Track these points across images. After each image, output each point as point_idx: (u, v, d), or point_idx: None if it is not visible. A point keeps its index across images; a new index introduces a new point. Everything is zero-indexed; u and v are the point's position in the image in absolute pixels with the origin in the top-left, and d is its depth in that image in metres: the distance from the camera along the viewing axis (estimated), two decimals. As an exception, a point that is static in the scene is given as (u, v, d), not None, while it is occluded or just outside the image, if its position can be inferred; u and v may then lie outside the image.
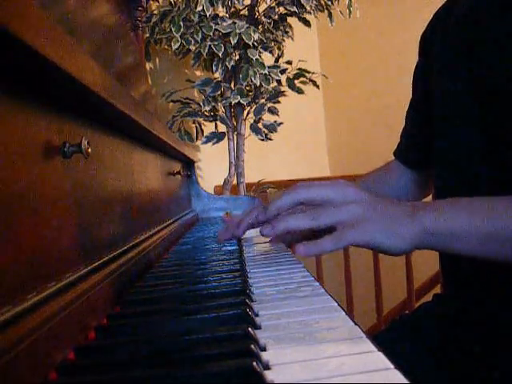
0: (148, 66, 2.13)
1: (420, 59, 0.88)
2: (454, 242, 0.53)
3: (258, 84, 1.85)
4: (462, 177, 0.71)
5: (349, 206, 0.54)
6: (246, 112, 2.02)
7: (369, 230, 0.52)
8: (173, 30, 1.76)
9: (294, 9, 1.93)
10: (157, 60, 2.26)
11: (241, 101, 1.88)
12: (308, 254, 0.53)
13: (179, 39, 1.77)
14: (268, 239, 0.81)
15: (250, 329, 0.35)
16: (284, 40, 2.06)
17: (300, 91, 2.03)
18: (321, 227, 0.54)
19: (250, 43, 1.79)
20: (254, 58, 1.83)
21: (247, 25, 1.82)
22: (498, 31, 0.63)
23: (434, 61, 0.77)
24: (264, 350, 0.33)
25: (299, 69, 2.04)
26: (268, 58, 1.99)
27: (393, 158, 0.97)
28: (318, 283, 0.51)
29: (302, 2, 1.89)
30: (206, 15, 1.79)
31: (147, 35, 1.88)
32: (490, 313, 0.68)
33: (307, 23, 2.05)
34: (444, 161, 0.76)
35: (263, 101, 1.99)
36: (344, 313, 0.40)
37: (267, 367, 0.30)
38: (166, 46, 1.93)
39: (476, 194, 0.57)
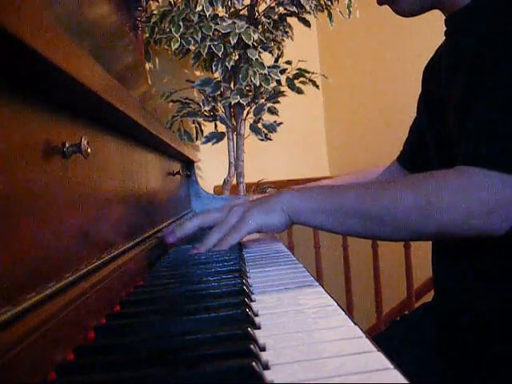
0: (148, 65, 2.13)
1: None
2: (309, 215, 0.66)
3: (258, 84, 1.85)
4: None
5: (232, 208, 0.71)
6: (245, 112, 2.02)
7: (252, 215, 0.67)
8: (172, 30, 1.76)
9: (294, 9, 1.93)
10: (156, 60, 2.26)
11: (240, 101, 1.88)
12: (221, 248, 0.68)
13: (179, 39, 1.77)
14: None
15: (249, 329, 0.35)
16: (284, 40, 2.06)
17: (300, 91, 2.03)
18: (209, 224, 0.73)
19: (250, 43, 1.79)
20: (254, 58, 1.83)
21: (247, 25, 1.82)
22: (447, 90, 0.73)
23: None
24: (263, 349, 0.33)
25: (299, 69, 2.04)
26: (268, 58, 1.99)
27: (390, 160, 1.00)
28: (317, 283, 0.52)
29: (302, 2, 1.89)
30: (205, 15, 1.79)
31: (147, 35, 1.88)
32: (485, 316, 0.68)
33: (307, 23, 2.05)
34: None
35: (263, 101, 1.99)
36: (344, 313, 0.40)
37: (267, 367, 0.30)
38: (165, 46, 1.93)
39: None
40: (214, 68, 1.88)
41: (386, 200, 0.62)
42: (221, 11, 1.94)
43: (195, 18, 1.79)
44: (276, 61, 2.05)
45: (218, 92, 1.92)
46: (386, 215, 0.61)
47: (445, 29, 0.78)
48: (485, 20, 0.67)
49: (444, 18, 0.77)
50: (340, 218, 0.64)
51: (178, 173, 1.08)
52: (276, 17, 1.97)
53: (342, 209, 0.64)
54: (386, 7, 0.79)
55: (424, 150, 0.85)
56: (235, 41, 1.77)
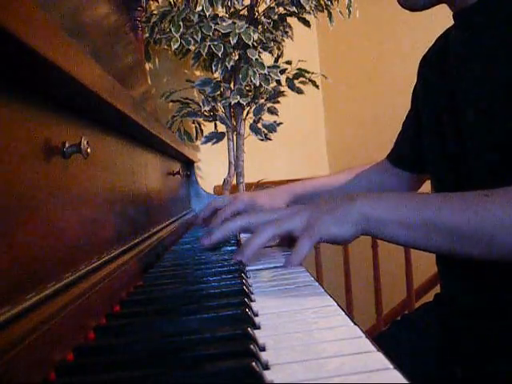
0: (148, 65, 2.13)
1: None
2: (389, 228, 0.58)
3: (258, 84, 1.85)
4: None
5: (298, 212, 0.61)
6: (245, 112, 2.02)
7: (324, 225, 0.58)
8: (172, 30, 1.76)
9: (294, 9, 1.93)
10: (156, 60, 2.25)
11: (240, 101, 1.88)
12: (296, 263, 0.59)
13: (179, 39, 1.77)
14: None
15: (249, 329, 0.35)
16: (283, 40, 2.06)
17: (299, 91, 2.03)
18: (281, 234, 0.61)
19: (250, 43, 1.79)
20: (254, 58, 1.83)
21: (247, 25, 1.82)
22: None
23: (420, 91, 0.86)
24: (263, 349, 0.33)
25: (299, 69, 2.04)
26: (267, 58, 1.99)
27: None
28: (317, 283, 0.51)
29: (302, 2, 1.89)
30: (205, 15, 1.79)
31: (147, 35, 1.88)
32: (488, 314, 0.68)
33: (307, 23, 2.05)
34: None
35: (263, 101, 1.99)
36: (344, 313, 0.40)
37: (266, 367, 0.30)
38: (165, 46, 1.93)
39: None
40: (213, 68, 1.88)
41: (485, 218, 0.54)
42: (221, 11, 1.94)
43: (195, 18, 1.79)
44: (276, 61, 2.05)
45: (218, 92, 1.92)
46: (484, 235, 0.54)
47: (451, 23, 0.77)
48: None
49: (451, 13, 0.76)
50: (423, 233, 0.57)
51: (177, 173, 1.08)
52: (276, 17, 1.96)
53: (428, 224, 0.56)
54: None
55: (421, 146, 0.83)
56: (235, 41, 1.77)
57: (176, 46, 1.78)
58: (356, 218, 0.58)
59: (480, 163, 0.68)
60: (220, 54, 1.80)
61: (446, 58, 0.76)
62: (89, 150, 0.43)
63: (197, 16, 1.79)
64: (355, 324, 0.37)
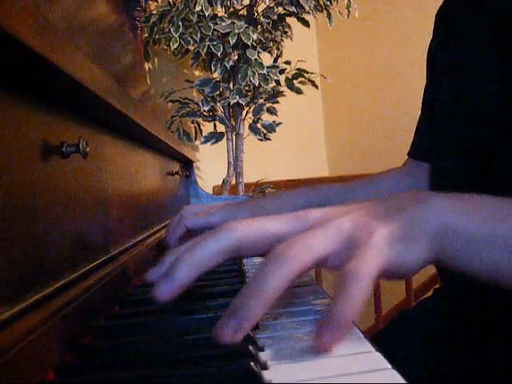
0: (147, 65, 2.13)
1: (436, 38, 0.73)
2: (485, 250, 0.35)
3: (257, 84, 1.85)
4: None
5: (332, 221, 0.35)
6: (244, 112, 2.02)
7: (382, 245, 0.33)
8: (172, 29, 1.76)
9: (293, 9, 1.93)
10: (156, 60, 2.25)
11: (239, 101, 1.88)
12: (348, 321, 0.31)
13: (178, 39, 1.77)
14: None
15: (248, 329, 0.35)
16: (283, 40, 2.06)
17: (299, 91, 2.03)
18: (309, 267, 0.33)
19: (249, 43, 1.79)
20: (253, 58, 1.83)
21: (246, 25, 1.82)
22: None
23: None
24: (262, 350, 0.33)
25: (298, 69, 2.04)
26: (267, 58, 1.99)
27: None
28: (315, 283, 0.52)
29: (301, 2, 1.89)
30: (204, 15, 1.79)
31: (146, 35, 1.88)
32: (488, 312, 0.68)
33: (306, 23, 2.05)
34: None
35: (262, 101, 1.99)
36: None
37: (265, 367, 0.30)
38: (164, 46, 1.93)
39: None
40: (213, 68, 1.88)
41: None
42: (220, 11, 1.94)
43: (194, 18, 1.79)
44: (275, 61, 2.05)
45: (217, 92, 1.92)
46: None
47: None
48: None
49: None
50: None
51: (176, 173, 1.08)
52: (275, 17, 1.97)
53: None
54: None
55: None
56: (234, 41, 1.77)
57: (175, 46, 1.78)
58: (433, 233, 0.35)
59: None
60: (219, 54, 1.80)
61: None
62: (88, 150, 0.43)
63: (196, 16, 1.79)
64: (354, 324, 0.37)
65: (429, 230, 0.35)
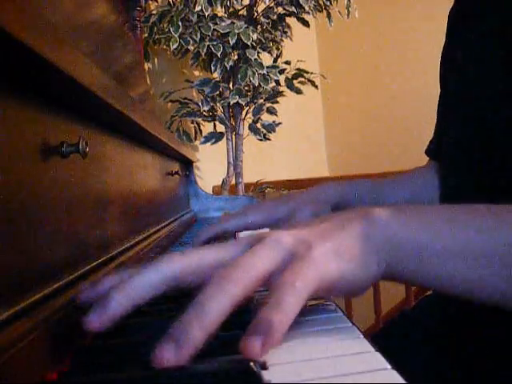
0: (147, 66, 2.13)
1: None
2: (436, 261, 0.35)
3: (257, 84, 1.85)
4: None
5: (270, 241, 0.34)
6: (244, 112, 2.02)
7: (320, 259, 0.33)
8: (171, 29, 1.76)
9: (293, 9, 1.93)
10: (155, 60, 2.25)
11: (239, 101, 1.88)
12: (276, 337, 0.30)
13: (178, 39, 1.77)
14: None
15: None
16: (283, 40, 2.07)
17: (299, 91, 2.03)
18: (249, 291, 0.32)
19: (249, 43, 1.79)
20: (253, 58, 1.83)
21: (246, 25, 1.82)
22: None
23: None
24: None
25: (298, 69, 2.04)
26: (266, 58, 1.99)
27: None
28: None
29: (301, 2, 1.90)
30: (204, 15, 1.79)
31: (146, 35, 1.88)
32: (489, 311, 0.68)
33: (306, 23, 2.05)
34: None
35: (262, 101, 2.00)
36: (342, 313, 0.40)
37: (264, 367, 0.30)
38: (164, 46, 1.93)
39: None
40: (212, 68, 1.88)
41: None
42: (220, 11, 1.94)
43: (194, 18, 1.79)
44: (275, 61, 2.05)
45: (217, 92, 1.92)
46: None
47: None
48: None
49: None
50: (473, 264, 0.35)
51: (176, 173, 1.08)
52: (275, 17, 1.97)
53: (485, 250, 0.35)
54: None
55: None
56: (234, 41, 1.77)
57: (175, 46, 1.78)
58: (378, 247, 0.35)
59: None
60: (219, 54, 1.80)
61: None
62: (87, 150, 0.43)
63: (196, 16, 1.79)
64: (353, 324, 0.37)
65: (374, 244, 0.35)
